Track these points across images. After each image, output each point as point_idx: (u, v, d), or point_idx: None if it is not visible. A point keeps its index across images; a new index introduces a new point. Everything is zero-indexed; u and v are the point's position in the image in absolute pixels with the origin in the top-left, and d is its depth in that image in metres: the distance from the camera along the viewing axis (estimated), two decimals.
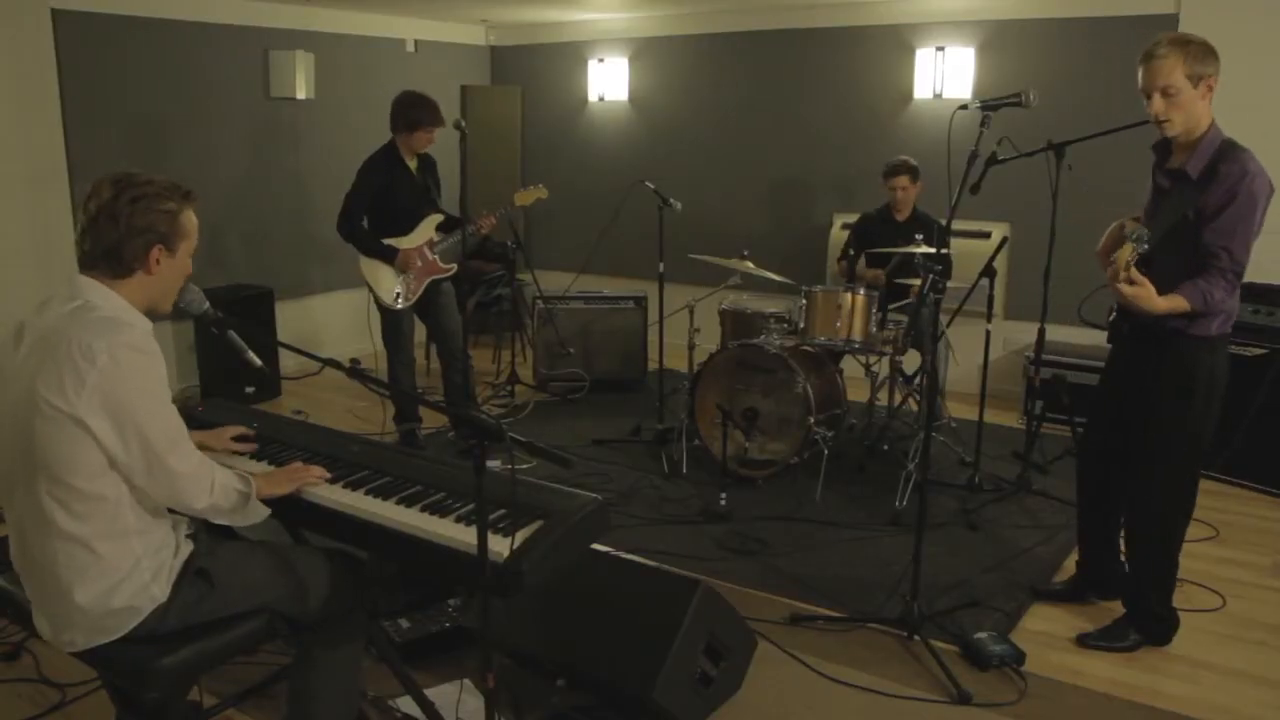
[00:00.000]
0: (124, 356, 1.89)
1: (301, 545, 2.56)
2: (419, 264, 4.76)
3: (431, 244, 4.81)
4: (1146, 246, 2.66)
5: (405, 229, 4.75)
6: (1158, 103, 2.73)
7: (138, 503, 1.99)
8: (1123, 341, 3.06)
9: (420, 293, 4.79)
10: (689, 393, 4.74)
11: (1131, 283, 2.67)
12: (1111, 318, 3.05)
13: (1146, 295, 2.68)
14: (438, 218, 4.85)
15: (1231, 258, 2.72)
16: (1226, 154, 2.73)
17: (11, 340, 2.01)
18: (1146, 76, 2.73)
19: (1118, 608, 3.24)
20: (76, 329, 1.89)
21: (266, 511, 2.19)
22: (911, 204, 5.10)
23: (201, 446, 2.18)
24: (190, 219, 2.05)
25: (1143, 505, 3.07)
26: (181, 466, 1.98)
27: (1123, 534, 3.24)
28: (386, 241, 4.70)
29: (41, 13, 4.98)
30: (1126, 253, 2.64)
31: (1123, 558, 3.31)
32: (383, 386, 3.47)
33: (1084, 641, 3.15)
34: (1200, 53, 2.69)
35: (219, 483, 2.07)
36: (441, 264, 4.85)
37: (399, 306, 4.77)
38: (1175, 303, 2.72)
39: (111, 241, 1.95)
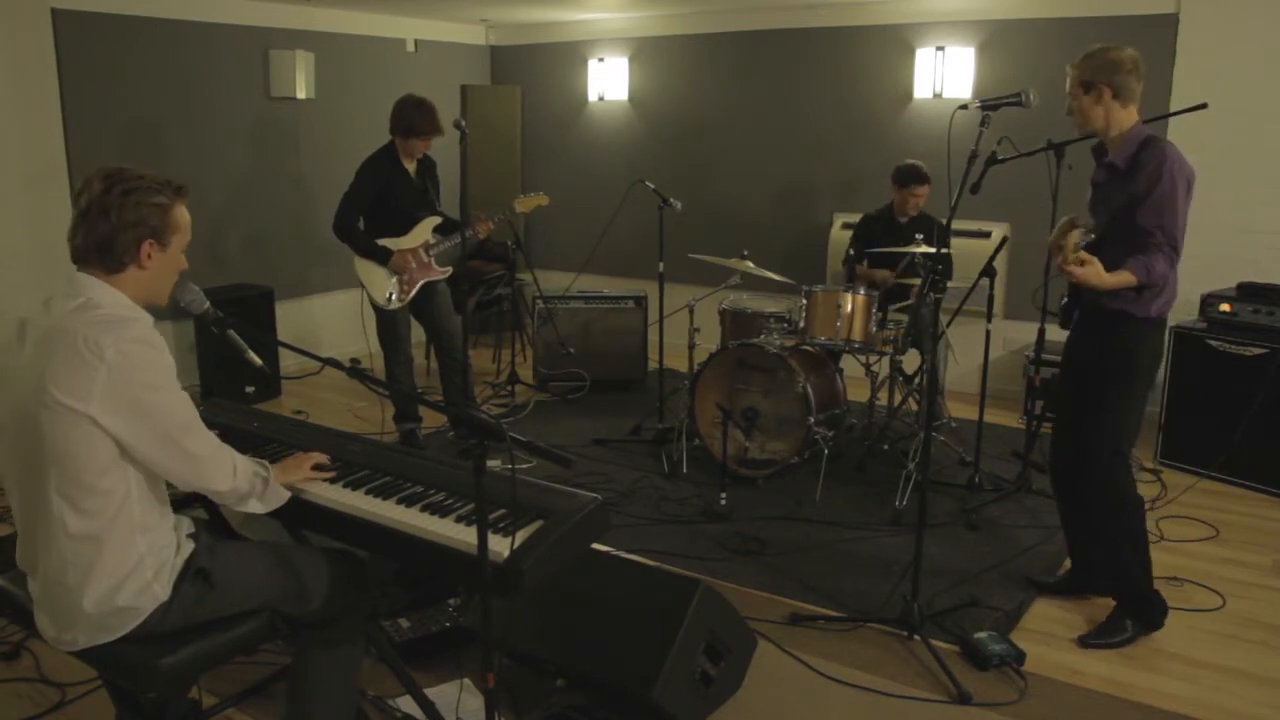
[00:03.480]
0: (132, 350, 1.89)
1: (302, 545, 2.56)
2: (413, 266, 4.76)
3: (428, 246, 4.80)
4: (1093, 236, 2.98)
5: (402, 230, 4.75)
6: (1067, 103, 3.09)
7: (145, 497, 2.00)
8: (1078, 324, 3.22)
9: (413, 294, 4.79)
10: (689, 392, 4.74)
11: (1082, 264, 2.88)
12: (1063, 302, 3.23)
13: (1095, 273, 2.88)
14: (435, 219, 4.84)
15: (1165, 234, 2.91)
16: (1148, 145, 2.96)
17: (14, 338, 2.00)
18: None
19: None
20: (83, 326, 1.89)
21: (287, 495, 2.23)
22: (920, 204, 5.10)
23: None
24: (182, 214, 2.05)
25: (1097, 475, 3.13)
26: (199, 449, 2.01)
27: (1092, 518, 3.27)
28: (382, 242, 4.70)
29: (41, 13, 4.98)
30: (1075, 238, 2.91)
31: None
32: (383, 386, 3.47)
33: (1084, 642, 3.15)
34: (1090, 65, 2.99)
35: (240, 466, 2.11)
36: (437, 266, 4.84)
37: (391, 307, 4.76)
38: (1122, 277, 2.90)
39: (103, 235, 1.95)
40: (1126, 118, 3.01)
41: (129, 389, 1.88)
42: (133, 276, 2.00)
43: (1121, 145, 3.01)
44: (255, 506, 2.17)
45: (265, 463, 2.21)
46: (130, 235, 1.96)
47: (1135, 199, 2.93)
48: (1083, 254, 2.91)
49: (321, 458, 2.39)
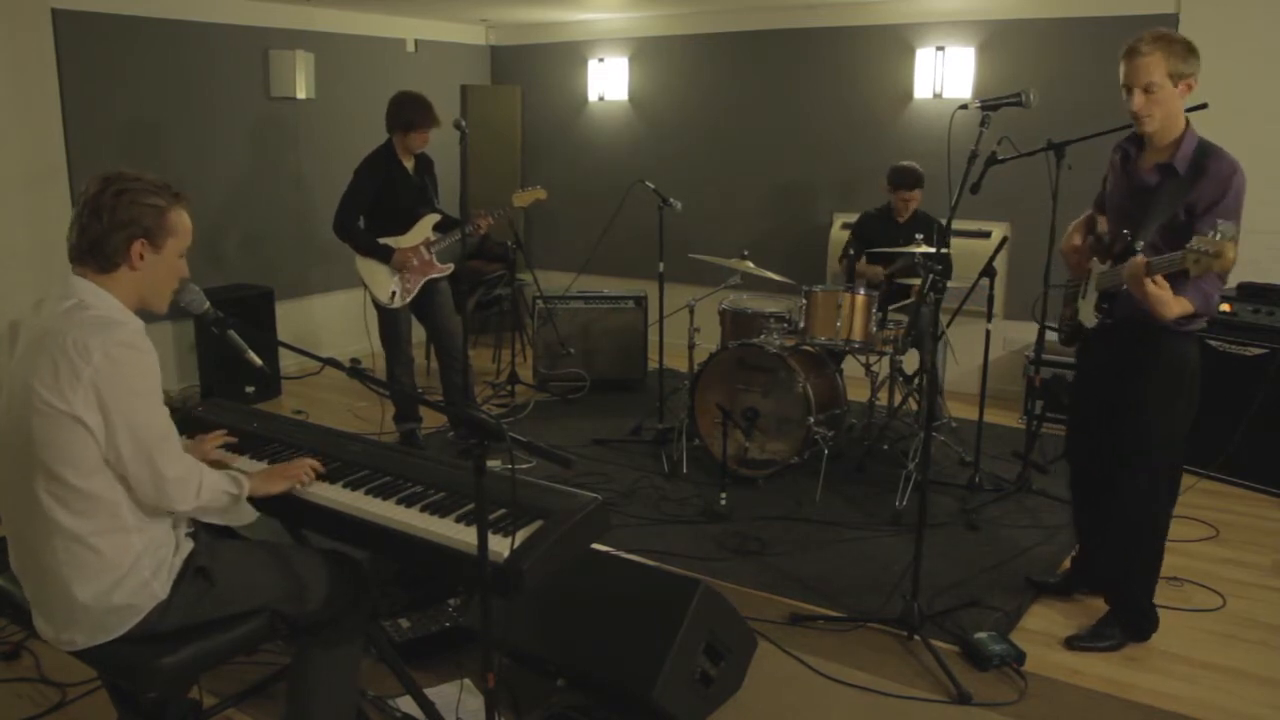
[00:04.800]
0: (118, 354, 1.89)
1: (301, 545, 2.55)
2: (415, 263, 4.76)
3: (428, 243, 4.80)
4: (1140, 244, 2.69)
5: (402, 228, 4.75)
6: (1139, 99, 2.76)
7: (135, 501, 1.99)
8: (1105, 336, 3.06)
9: (416, 292, 4.79)
10: (689, 393, 4.74)
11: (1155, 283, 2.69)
12: (1096, 322, 3.02)
13: (1166, 298, 2.69)
14: (434, 217, 4.84)
15: None
16: (1210, 150, 2.77)
17: (6, 340, 2.01)
18: (1129, 73, 2.76)
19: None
20: (72, 327, 1.90)
21: (254, 515, 2.19)
22: (914, 207, 5.09)
23: None
24: (180, 218, 2.04)
25: (1130, 495, 3.05)
26: (169, 470, 1.97)
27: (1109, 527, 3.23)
28: (382, 241, 4.70)
29: (41, 13, 4.98)
30: (1231, 252, 2.52)
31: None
32: (382, 386, 3.47)
33: (1071, 644, 3.14)
34: (1183, 52, 2.72)
35: (206, 485, 2.06)
36: (438, 264, 4.85)
37: (394, 305, 4.77)
38: (1183, 306, 2.74)
39: (95, 235, 1.95)
40: (1183, 116, 2.82)
41: (110, 390, 1.88)
42: (125, 278, 2.00)
43: (1178, 148, 2.79)
44: (215, 519, 2.13)
45: (243, 480, 2.16)
46: (122, 235, 1.96)
47: (1194, 211, 2.74)
48: (1159, 275, 2.71)
49: (315, 464, 2.36)
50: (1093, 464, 3.19)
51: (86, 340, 1.87)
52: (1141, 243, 2.79)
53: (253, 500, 2.20)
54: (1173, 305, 2.71)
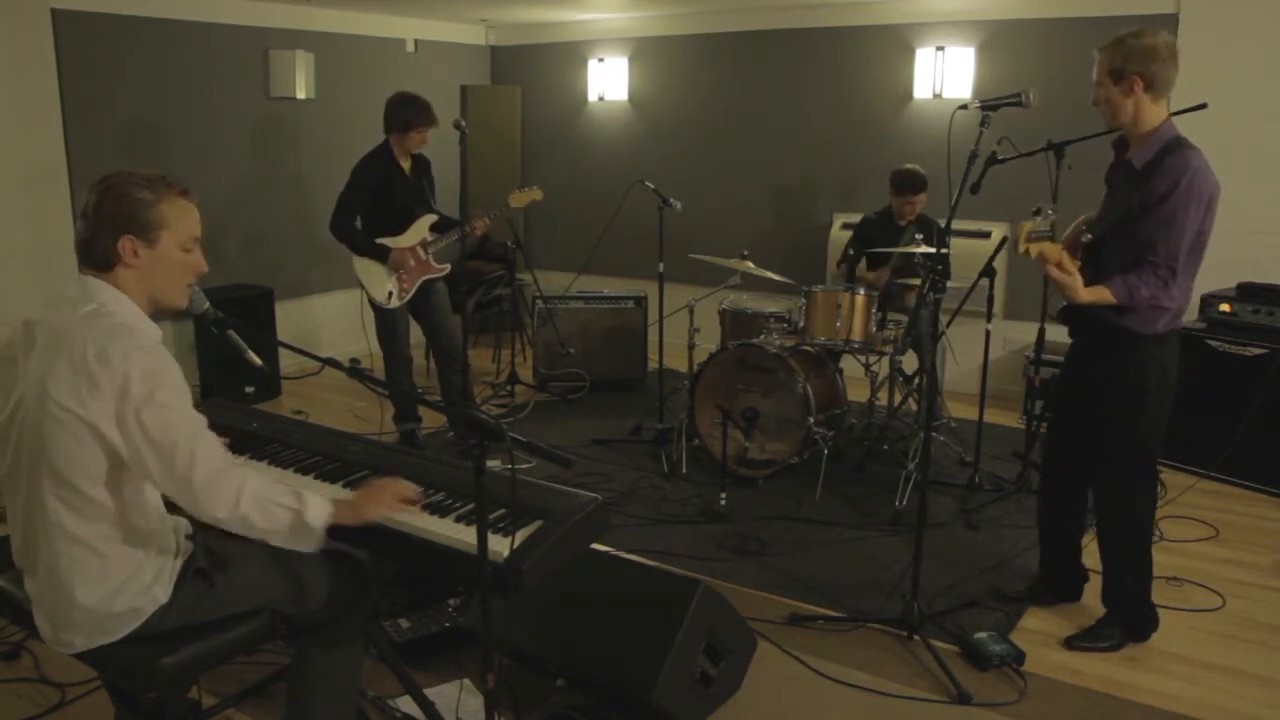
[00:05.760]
0: (139, 360, 1.86)
1: None
2: (412, 263, 4.76)
3: (425, 244, 4.80)
4: (1089, 236, 2.84)
5: (399, 228, 4.75)
6: (1094, 92, 2.87)
7: (144, 504, 1.99)
8: (1077, 338, 3.10)
9: (413, 292, 4.79)
10: (689, 393, 4.74)
11: (1044, 258, 2.78)
12: (1062, 305, 3.06)
13: (1073, 284, 2.77)
14: (431, 217, 4.84)
15: (1165, 253, 2.75)
16: (1173, 149, 2.78)
17: (21, 339, 1.99)
18: None
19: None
20: (92, 333, 1.87)
21: (320, 543, 2.05)
22: (918, 211, 5.09)
23: None
24: (174, 209, 1.98)
25: (1107, 496, 3.08)
26: (195, 473, 1.89)
27: (1095, 532, 3.23)
28: (379, 241, 4.70)
29: (41, 13, 4.97)
30: (1028, 226, 2.80)
31: (1083, 558, 3.36)
32: (382, 386, 3.47)
33: (1070, 644, 3.14)
34: (1123, 50, 2.78)
35: (249, 493, 1.95)
36: (435, 264, 4.84)
37: (391, 305, 4.77)
38: (1099, 294, 2.79)
39: (86, 235, 1.94)
40: (1156, 114, 2.80)
41: (131, 398, 1.84)
42: (125, 276, 1.96)
43: (1145, 145, 2.81)
44: (277, 542, 2.02)
45: (314, 500, 2.03)
46: (109, 232, 1.93)
47: (1145, 206, 2.75)
48: (1066, 262, 2.79)
49: (411, 487, 2.20)
50: (1077, 462, 3.19)
51: (107, 346, 1.84)
52: (1089, 236, 2.87)
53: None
54: (1081, 293, 2.78)
